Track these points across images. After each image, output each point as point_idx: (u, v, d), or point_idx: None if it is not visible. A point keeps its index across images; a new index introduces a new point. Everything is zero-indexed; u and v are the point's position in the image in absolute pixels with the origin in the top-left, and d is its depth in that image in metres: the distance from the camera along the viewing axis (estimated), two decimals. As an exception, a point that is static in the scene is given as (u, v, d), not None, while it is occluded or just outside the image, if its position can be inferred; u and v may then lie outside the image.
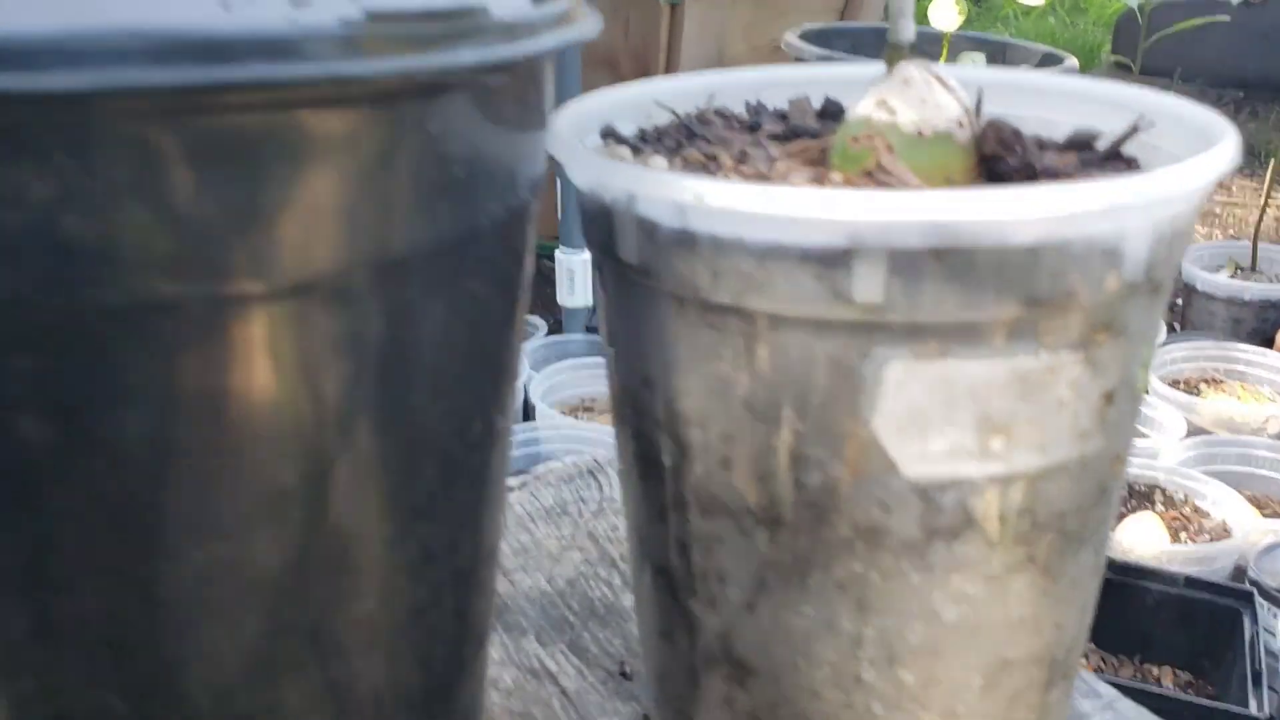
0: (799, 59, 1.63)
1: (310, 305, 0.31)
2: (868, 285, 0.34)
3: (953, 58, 1.71)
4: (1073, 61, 1.64)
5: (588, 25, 0.36)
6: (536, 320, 1.99)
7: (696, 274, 0.36)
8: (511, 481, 0.76)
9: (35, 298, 0.28)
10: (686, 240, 0.36)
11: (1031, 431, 0.36)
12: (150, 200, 0.28)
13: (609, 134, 0.46)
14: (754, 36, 2.24)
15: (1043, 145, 0.47)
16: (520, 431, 1.61)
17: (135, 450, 0.30)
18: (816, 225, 0.33)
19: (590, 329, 1.87)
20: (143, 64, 0.26)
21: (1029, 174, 0.41)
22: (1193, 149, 0.39)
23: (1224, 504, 1.35)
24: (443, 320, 0.34)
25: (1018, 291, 0.34)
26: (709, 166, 0.43)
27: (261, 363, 0.31)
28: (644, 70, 2.02)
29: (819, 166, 0.43)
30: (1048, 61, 1.62)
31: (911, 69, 0.42)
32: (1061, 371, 0.36)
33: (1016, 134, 0.42)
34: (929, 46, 1.82)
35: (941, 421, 0.36)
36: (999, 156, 0.41)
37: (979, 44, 1.78)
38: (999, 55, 1.75)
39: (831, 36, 1.87)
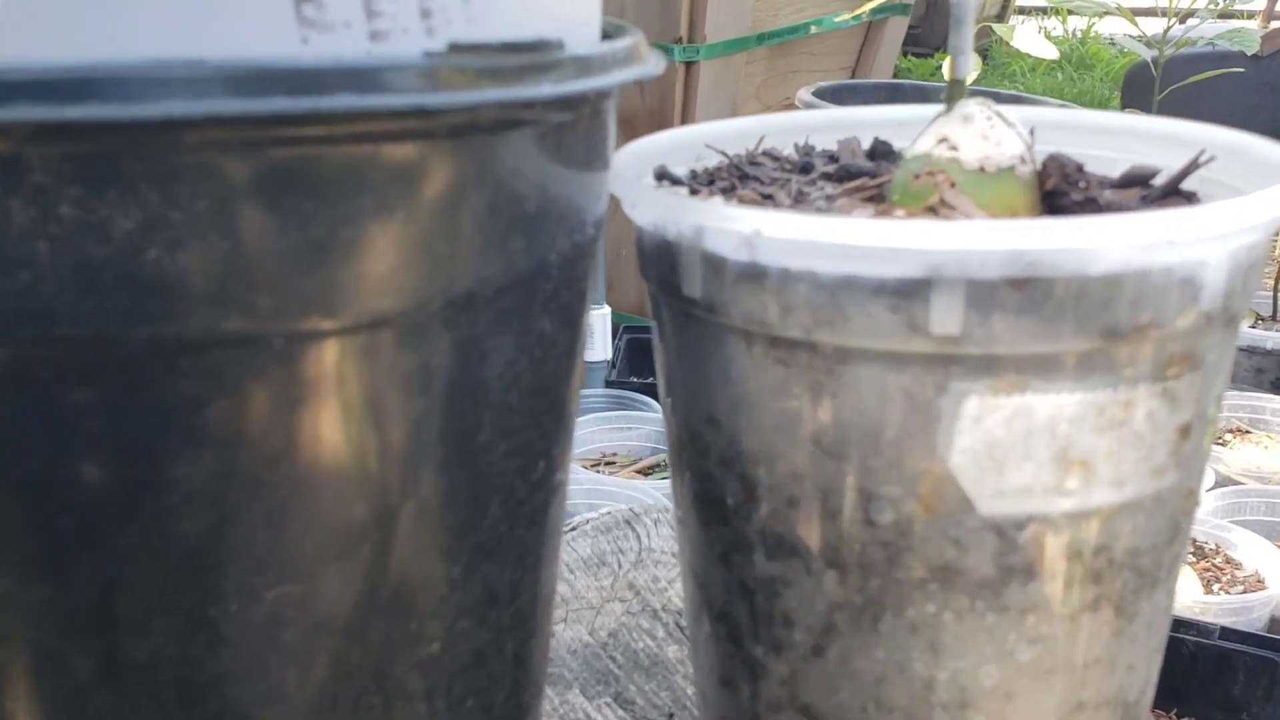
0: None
1: (381, 341, 0.31)
2: (945, 317, 0.33)
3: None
4: (1087, 114, 1.65)
5: (652, 63, 0.36)
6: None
7: (765, 308, 0.36)
8: (548, 532, 0.75)
9: (115, 332, 0.27)
10: (755, 274, 0.35)
11: (1108, 466, 0.36)
12: (231, 233, 0.28)
13: (663, 175, 0.46)
14: (767, 95, 2.26)
15: (1101, 182, 0.46)
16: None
17: (206, 488, 0.30)
18: (893, 256, 0.33)
19: (610, 384, 1.86)
20: (230, 94, 0.25)
21: (1092, 209, 0.41)
22: (1252, 180, 0.39)
23: (1257, 554, 1.33)
24: (511, 357, 0.34)
25: (1096, 322, 0.33)
26: (766, 205, 0.43)
27: (332, 400, 0.31)
28: (660, 128, 2.03)
29: (878, 203, 0.43)
30: (1062, 114, 1.63)
31: (972, 106, 0.42)
32: (1139, 404, 0.35)
33: (1079, 169, 0.41)
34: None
35: (1019, 456, 0.35)
36: (1061, 192, 0.41)
37: (991, 99, 1.79)
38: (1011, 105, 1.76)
39: (844, 93, 1.89)
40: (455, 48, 0.28)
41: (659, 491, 1.25)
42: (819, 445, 0.37)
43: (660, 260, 0.39)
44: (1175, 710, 1.21)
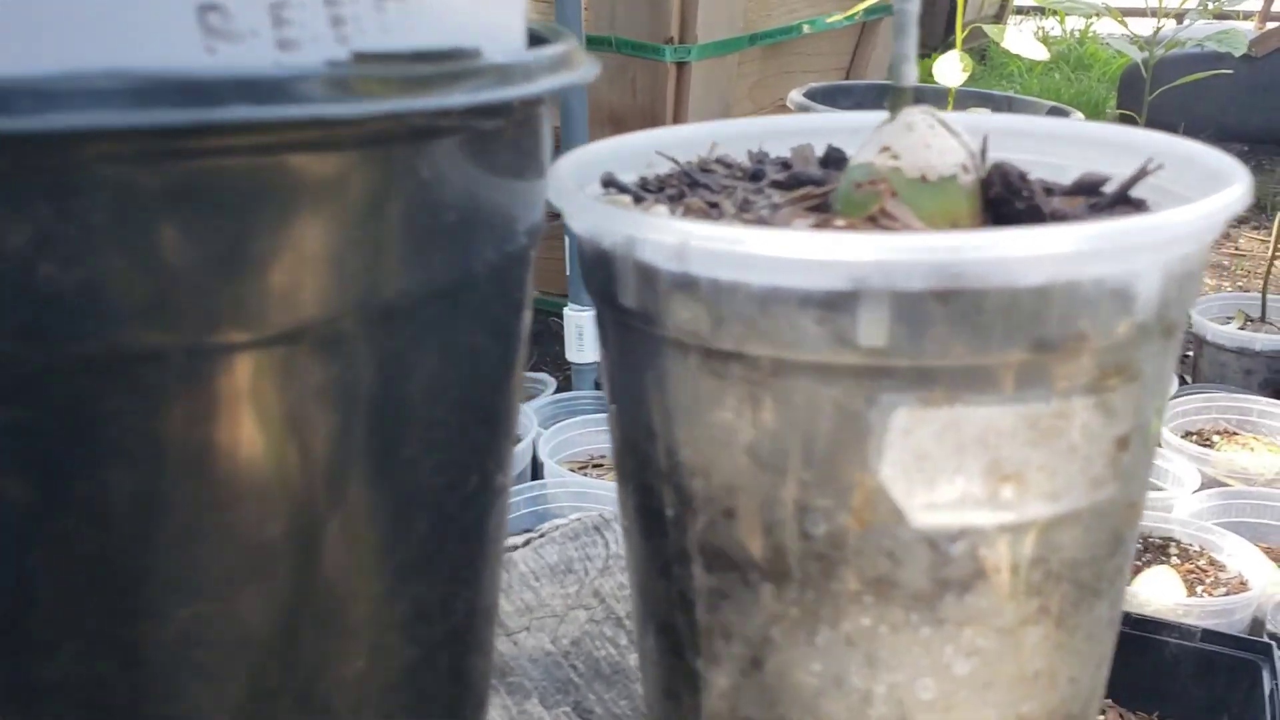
0: (804, 115, 1.63)
1: (298, 354, 0.31)
2: (872, 329, 0.33)
3: (959, 110, 1.71)
4: (1078, 116, 1.65)
5: (585, 70, 0.35)
6: (545, 377, 1.98)
7: (697, 319, 0.35)
8: (516, 539, 0.74)
9: (12, 350, 0.27)
10: (687, 285, 0.35)
11: (1043, 479, 0.35)
12: (131, 247, 0.27)
13: (610, 183, 0.46)
14: (760, 96, 2.26)
15: (1050, 190, 0.46)
16: (528, 489, 1.60)
17: (116, 507, 0.29)
18: (818, 267, 0.33)
19: (599, 385, 1.86)
20: (123, 105, 0.25)
21: (1036, 217, 0.40)
22: (1204, 190, 0.38)
23: (1241, 556, 1.33)
24: (436, 370, 0.34)
25: (1026, 334, 0.33)
26: (711, 214, 0.43)
27: (248, 414, 0.30)
28: (651, 128, 2.03)
29: (823, 213, 0.42)
30: (1053, 116, 1.62)
31: (915, 114, 0.41)
32: (1073, 416, 0.35)
33: (1023, 177, 0.41)
34: (935, 103, 1.81)
35: (950, 469, 0.35)
36: (1005, 200, 0.41)
37: (984, 100, 1.78)
38: (1004, 110, 1.76)
39: (836, 95, 1.88)
40: (361, 57, 0.28)
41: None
42: (754, 457, 0.36)
43: (598, 270, 0.38)
44: (1157, 713, 1.21)
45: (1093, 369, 0.34)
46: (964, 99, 1.78)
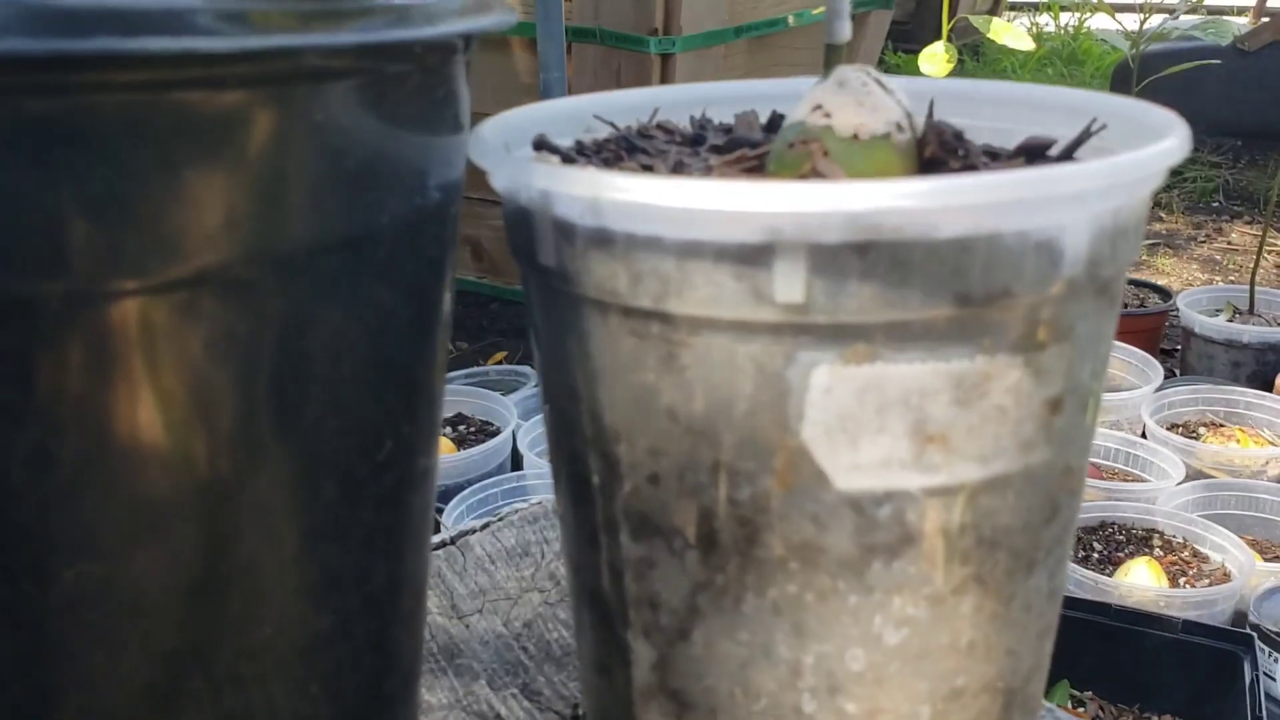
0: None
1: (190, 303, 0.29)
2: (788, 284, 0.32)
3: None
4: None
5: (498, 17, 0.34)
6: (526, 370, 1.97)
7: (615, 276, 0.34)
8: (475, 523, 0.73)
9: (-124, 292, 0.26)
10: (603, 240, 0.34)
11: (970, 441, 0.34)
12: (6, 188, 0.26)
13: (542, 145, 0.45)
14: (746, 86, 2.24)
15: (994, 154, 0.45)
16: (508, 480, 1.59)
17: (3, 458, 0.28)
18: (733, 220, 0.32)
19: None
20: (-18, 36, 0.24)
21: (973, 177, 0.39)
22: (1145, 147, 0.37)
23: (1224, 548, 1.32)
24: (339, 325, 0.33)
25: (948, 289, 0.32)
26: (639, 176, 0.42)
27: (138, 365, 0.29)
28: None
29: (756, 174, 0.41)
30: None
31: (848, 71, 0.40)
32: (1000, 376, 0.34)
33: (958, 135, 0.40)
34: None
35: (873, 430, 0.34)
36: (941, 161, 0.39)
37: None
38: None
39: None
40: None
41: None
42: (675, 420, 0.35)
43: (518, 228, 0.37)
44: (1138, 705, 1.20)
45: (1020, 327, 0.33)
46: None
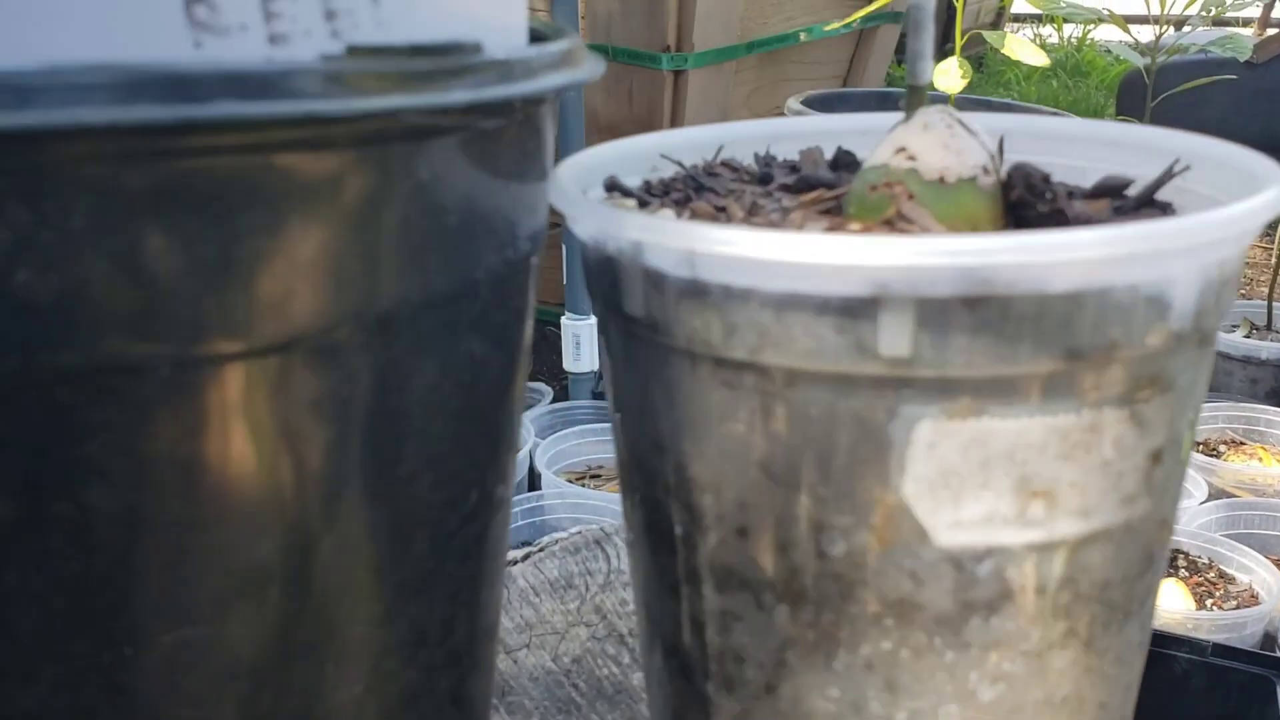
0: (804, 122, 1.62)
1: (291, 365, 0.29)
2: (894, 337, 0.31)
3: (958, 118, 1.69)
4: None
5: (589, 67, 0.34)
6: (542, 387, 1.96)
7: (708, 327, 0.34)
8: (515, 554, 0.73)
9: (-14, 359, 0.25)
10: (697, 291, 0.33)
11: (1073, 495, 0.34)
12: (113, 252, 0.26)
13: (613, 187, 0.44)
14: (757, 104, 2.24)
15: (1071, 193, 0.44)
16: (526, 500, 1.58)
17: (99, 526, 0.28)
18: (837, 273, 0.31)
19: (597, 395, 1.84)
20: (104, 101, 0.23)
21: (1059, 221, 0.39)
22: (1233, 192, 0.36)
23: (1250, 569, 1.31)
24: (435, 381, 0.32)
25: (1057, 343, 0.31)
26: (718, 218, 0.41)
27: (238, 428, 0.29)
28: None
29: (835, 216, 0.41)
30: (1051, 121, 1.61)
31: (932, 113, 0.40)
32: (1105, 429, 0.33)
33: (1045, 179, 0.39)
34: (934, 109, 1.79)
35: (977, 485, 0.33)
36: (1027, 203, 0.39)
37: (983, 107, 1.77)
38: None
39: (834, 102, 1.87)
40: (356, 50, 0.26)
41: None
42: (767, 473, 0.35)
43: (602, 276, 0.37)
44: (1168, 729, 1.19)
45: (1126, 379, 0.33)
46: (962, 106, 1.76)
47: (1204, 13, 2.01)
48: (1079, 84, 3.96)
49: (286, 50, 0.27)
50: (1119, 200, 0.43)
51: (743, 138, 0.50)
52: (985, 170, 0.39)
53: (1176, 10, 1.81)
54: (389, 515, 0.32)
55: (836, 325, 0.32)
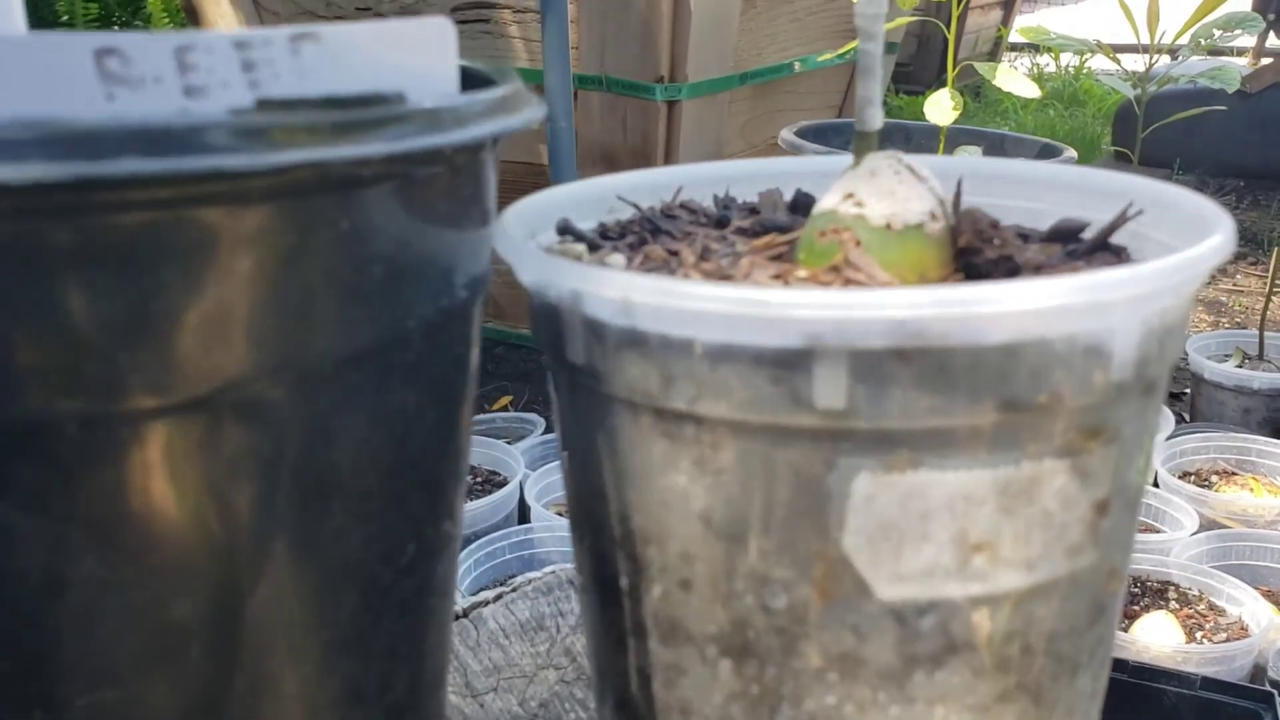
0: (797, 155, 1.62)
1: (212, 421, 0.28)
2: (829, 389, 0.31)
3: (950, 151, 1.70)
4: (1071, 153, 1.63)
5: (528, 113, 0.33)
6: (534, 418, 1.96)
7: (647, 377, 0.33)
8: (487, 594, 0.72)
9: (-111, 419, 0.25)
10: (636, 341, 0.33)
11: (1016, 547, 0.33)
12: (25, 308, 0.25)
13: (566, 230, 0.44)
14: (751, 133, 2.25)
15: (1025, 236, 0.44)
16: (514, 534, 1.57)
17: (14, 584, 0.27)
18: (771, 324, 0.31)
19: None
20: (4, 158, 0.23)
21: (1009, 268, 0.38)
22: (1186, 238, 0.36)
23: (1241, 601, 1.30)
24: (365, 435, 0.31)
25: (995, 395, 0.31)
26: (670, 263, 0.41)
27: (159, 485, 0.28)
28: (642, 167, 2.01)
29: (785, 262, 0.40)
30: (1046, 153, 1.61)
31: (879, 159, 0.39)
32: (1046, 481, 0.33)
33: (994, 225, 0.39)
34: (926, 141, 1.81)
35: (917, 538, 0.32)
36: (976, 249, 0.39)
37: (976, 137, 1.77)
38: (997, 148, 1.74)
39: (828, 133, 1.88)
40: (267, 104, 0.26)
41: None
42: (708, 525, 0.34)
43: (546, 323, 0.36)
44: (1157, 765, 1.18)
45: (1067, 430, 0.32)
46: (956, 137, 1.77)
47: (1194, 44, 2.02)
48: (1076, 113, 3.97)
49: (202, 103, 0.27)
50: (1073, 244, 0.43)
51: (703, 179, 0.50)
52: (933, 216, 0.39)
53: (1168, 38, 1.81)
54: (318, 572, 0.32)
55: (772, 376, 0.31)
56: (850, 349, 0.30)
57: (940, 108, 1.64)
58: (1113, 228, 0.41)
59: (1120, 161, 3.38)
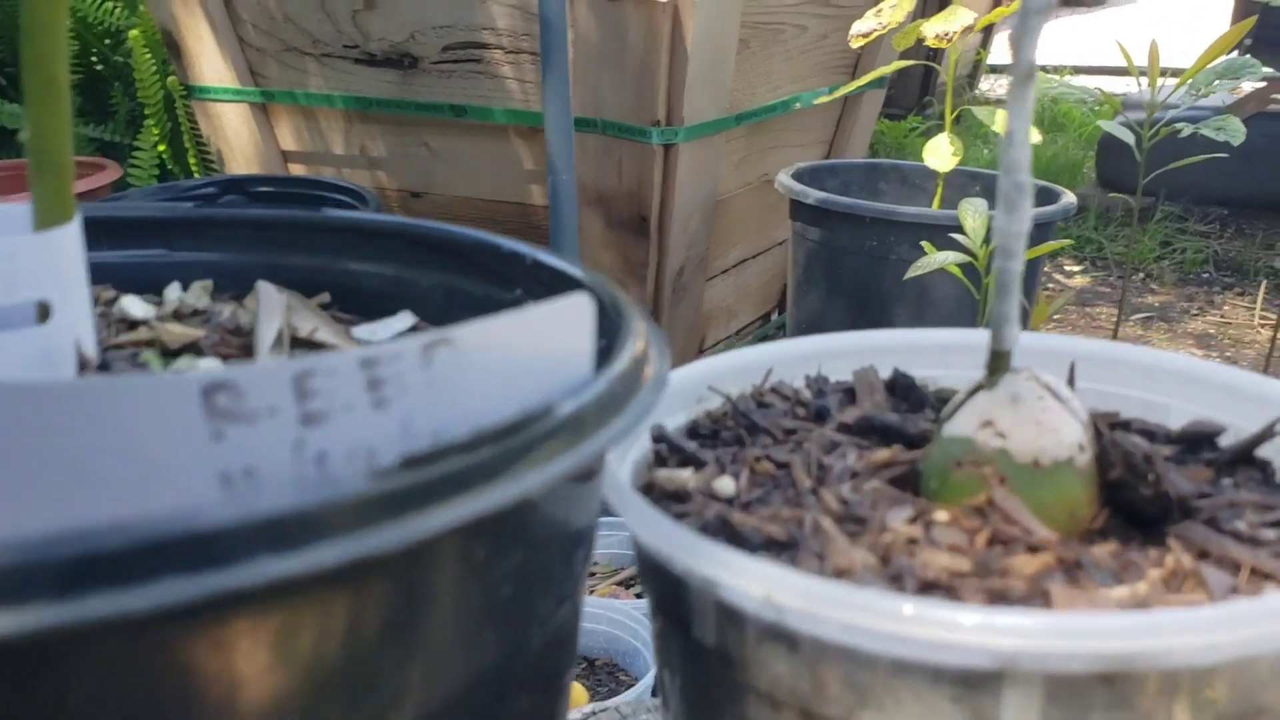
0: (795, 200, 1.61)
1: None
2: (1019, 713, 0.27)
3: (948, 190, 1.68)
4: (1070, 198, 1.60)
5: (656, 385, 0.29)
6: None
7: (796, 677, 0.29)
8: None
9: None
10: (782, 637, 0.29)
11: None
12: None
13: (660, 438, 0.40)
14: (745, 171, 2.22)
15: (1152, 435, 0.41)
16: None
17: None
18: (957, 644, 0.27)
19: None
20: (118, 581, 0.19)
21: (1164, 504, 0.35)
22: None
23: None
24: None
25: (1206, 712, 0.27)
26: (780, 481, 0.37)
27: None
28: (637, 210, 1.98)
29: (909, 491, 0.36)
30: (1044, 196, 1.58)
31: (1020, 383, 0.36)
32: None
33: (1147, 459, 0.35)
34: (923, 181, 1.79)
35: None
36: (1128, 484, 0.35)
37: (974, 179, 1.75)
38: (994, 188, 1.71)
39: (823, 175, 1.85)
40: (410, 460, 0.22)
41: (638, 611, 1.10)
42: (859, 830, 0.30)
43: (664, 588, 0.33)
44: None
45: (1269, 741, 0.29)
46: (953, 178, 1.75)
47: (1192, 93, 2.00)
48: (1056, 138, 3.97)
49: (322, 431, 0.23)
50: (1209, 451, 0.39)
51: (791, 358, 0.46)
52: (1081, 447, 0.35)
53: (1171, 62, 1.79)
54: None
55: (953, 695, 0.28)
56: (1046, 673, 0.27)
57: (940, 154, 1.61)
58: (1258, 440, 0.38)
59: (1105, 190, 3.38)
